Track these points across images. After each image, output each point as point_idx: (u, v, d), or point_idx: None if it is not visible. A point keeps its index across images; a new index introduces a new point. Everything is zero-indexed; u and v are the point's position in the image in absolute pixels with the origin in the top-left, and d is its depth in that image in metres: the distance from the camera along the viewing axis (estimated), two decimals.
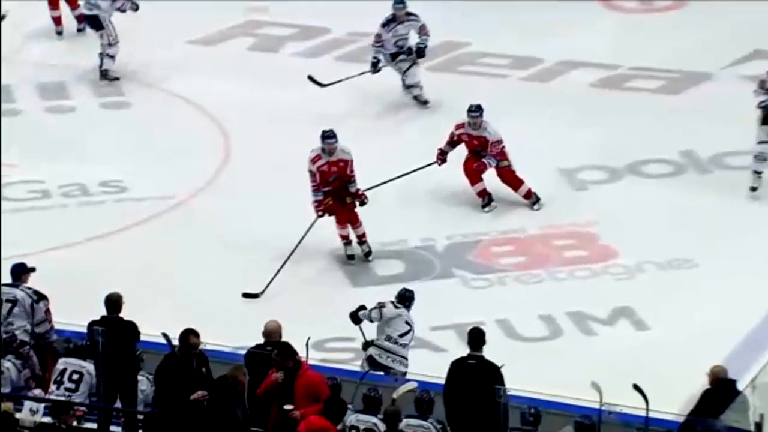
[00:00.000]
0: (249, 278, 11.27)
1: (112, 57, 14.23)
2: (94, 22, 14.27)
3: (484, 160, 12.17)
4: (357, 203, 11.56)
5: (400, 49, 13.45)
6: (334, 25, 15.24)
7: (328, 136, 11.56)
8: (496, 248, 11.92)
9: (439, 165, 12.27)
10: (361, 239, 11.75)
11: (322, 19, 15.29)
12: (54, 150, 13.05)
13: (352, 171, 11.58)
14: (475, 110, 12.18)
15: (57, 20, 15.15)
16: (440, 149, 12.25)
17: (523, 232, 12.10)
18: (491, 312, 10.97)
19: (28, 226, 11.98)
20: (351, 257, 11.71)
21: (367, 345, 10.07)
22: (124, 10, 14.21)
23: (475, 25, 14.85)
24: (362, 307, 10.13)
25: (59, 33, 15.15)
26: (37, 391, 9.44)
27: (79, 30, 15.10)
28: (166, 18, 14.73)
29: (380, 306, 10.07)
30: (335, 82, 13.55)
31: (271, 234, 11.79)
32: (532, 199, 12.24)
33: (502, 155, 12.18)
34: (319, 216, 11.56)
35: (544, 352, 10.68)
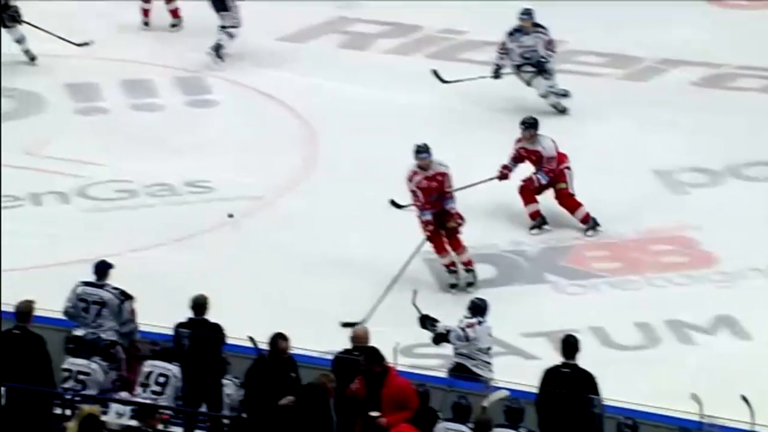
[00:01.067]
0: (334, 285, 11.07)
1: (232, 36, 14.16)
2: (218, 2, 14.16)
3: (534, 175, 11.78)
4: (456, 226, 11.03)
5: (526, 60, 13.23)
6: (426, 23, 15.09)
7: (420, 150, 11.13)
8: (591, 253, 11.68)
9: (499, 180, 11.84)
10: (468, 266, 11.21)
11: (413, 16, 15.15)
12: (141, 149, 13.01)
13: (449, 186, 11.14)
14: (525, 123, 11.85)
15: (146, 12, 15.13)
16: (504, 165, 11.86)
17: (619, 236, 11.83)
18: (585, 319, 10.74)
19: (115, 226, 11.95)
20: (453, 286, 11.17)
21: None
22: None
23: (572, 23, 14.55)
24: (428, 318, 9.80)
25: (146, 24, 15.12)
26: (123, 394, 9.36)
27: (173, 26, 15.06)
28: (254, 15, 14.63)
29: (468, 327, 9.73)
30: (457, 81, 13.40)
31: (357, 239, 11.59)
32: (589, 224, 11.80)
33: (560, 176, 11.78)
34: (428, 238, 11.10)
35: (640, 361, 10.45)
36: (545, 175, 11.77)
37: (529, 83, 13.36)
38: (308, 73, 14.31)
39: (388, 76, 14.12)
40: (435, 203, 11.12)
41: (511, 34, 13.29)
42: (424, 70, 13.82)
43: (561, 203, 11.88)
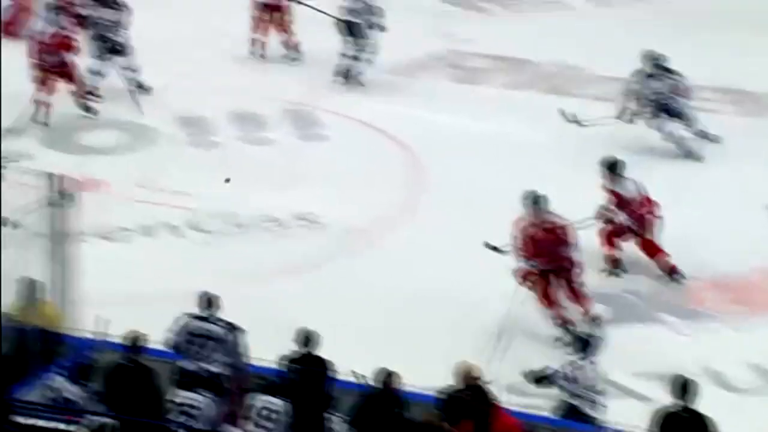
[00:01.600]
0: (439, 320, 10.89)
1: (370, 62, 14.32)
2: (355, 29, 14.29)
3: (616, 218, 11.37)
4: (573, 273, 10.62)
5: (652, 102, 13.04)
6: (539, 58, 14.94)
7: (531, 198, 10.81)
8: (707, 292, 11.41)
9: (598, 221, 11.40)
10: (590, 317, 10.67)
11: (525, 50, 15.01)
12: (250, 181, 13.01)
13: (574, 239, 10.72)
14: (602, 163, 11.51)
15: (257, 42, 15.19)
16: (602, 205, 11.44)
17: (737, 275, 11.53)
18: (701, 360, 10.46)
19: (224, 258, 11.94)
20: (560, 340, 10.59)
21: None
22: (372, 27, 14.34)
23: (681, 56, 14.21)
24: (536, 375, 9.56)
25: (260, 55, 15.21)
26: (230, 428, 9.31)
27: (293, 59, 15.14)
28: None
29: (576, 367, 9.49)
30: (591, 124, 13.16)
31: (463, 275, 11.35)
32: (674, 275, 11.35)
33: (642, 223, 11.36)
34: (529, 288, 10.75)
35: (759, 405, 10.15)
36: (628, 217, 11.40)
37: (657, 128, 13.12)
38: (419, 107, 14.29)
39: (501, 111, 14.01)
40: (548, 256, 10.77)
41: (639, 77, 13.10)
42: (538, 105, 13.70)
43: (642, 249, 11.50)
